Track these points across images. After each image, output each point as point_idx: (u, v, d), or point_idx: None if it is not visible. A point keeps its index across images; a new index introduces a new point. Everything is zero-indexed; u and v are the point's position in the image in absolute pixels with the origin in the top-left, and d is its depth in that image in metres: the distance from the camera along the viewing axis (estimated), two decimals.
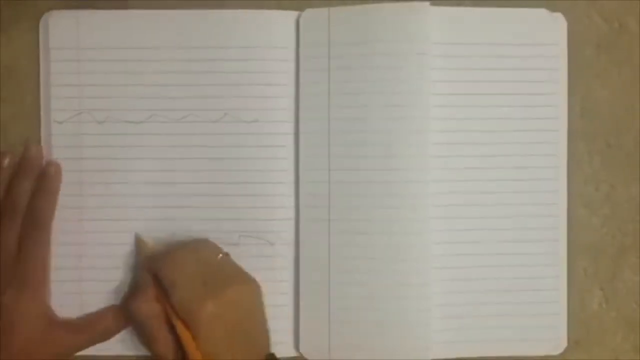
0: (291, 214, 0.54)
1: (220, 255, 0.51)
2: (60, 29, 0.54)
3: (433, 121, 0.54)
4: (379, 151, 0.53)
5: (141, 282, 0.51)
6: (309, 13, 0.54)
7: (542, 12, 0.55)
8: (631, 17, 0.55)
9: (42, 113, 0.54)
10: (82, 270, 0.54)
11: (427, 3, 0.53)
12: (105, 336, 0.52)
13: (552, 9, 0.55)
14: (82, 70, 0.54)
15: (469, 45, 0.54)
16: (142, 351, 0.54)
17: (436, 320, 0.54)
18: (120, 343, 0.54)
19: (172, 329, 0.49)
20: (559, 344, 0.55)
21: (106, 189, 0.54)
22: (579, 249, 0.55)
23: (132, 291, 0.53)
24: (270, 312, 0.53)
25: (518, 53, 0.54)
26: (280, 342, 0.54)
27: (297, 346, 0.55)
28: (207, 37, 0.54)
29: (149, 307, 0.49)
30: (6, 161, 0.53)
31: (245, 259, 0.54)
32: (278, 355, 0.53)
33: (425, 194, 0.54)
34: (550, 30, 0.55)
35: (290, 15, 0.54)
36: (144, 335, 0.50)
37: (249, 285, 0.51)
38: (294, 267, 0.55)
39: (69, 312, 0.54)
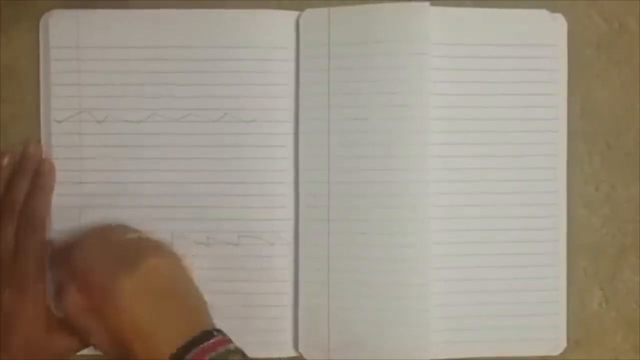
0: (291, 214, 0.54)
1: (130, 235, 0.51)
2: (61, 28, 0.54)
3: (433, 121, 0.54)
4: (379, 151, 0.53)
5: (58, 282, 0.50)
6: (309, 13, 0.54)
7: (542, 13, 0.55)
8: (631, 17, 0.55)
9: (42, 112, 0.54)
10: None
11: (427, 3, 0.53)
12: None
13: (552, 9, 0.55)
14: (82, 69, 0.54)
15: (469, 46, 0.54)
16: None
17: (436, 320, 0.54)
18: None
19: None
20: (559, 344, 0.55)
21: (106, 189, 0.54)
22: (579, 249, 0.55)
23: (54, 294, 0.51)
24: (270, 312, 0.54)
25: (518, 53, 0.54)
26: (280, 342, 0.55)
27: (296, 346, 0.55)
28: (207, 37, 0.54)
29: (72, 302, 0.48)
30: (5, 160, 0.53)
31: (244, 259, 0.54)
32: (279, 356, 0.53)
33: (425, 194, 0.54)
34: (551, 31, 0.55)
35: (290, 15, 0.54)
36: (79, 331, 0.49)
37: (164, 257, 0.50)
38: (294, 267, 0.54)
39: None
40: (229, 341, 0.47)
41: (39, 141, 0.54)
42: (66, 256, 0.49)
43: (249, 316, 0.54)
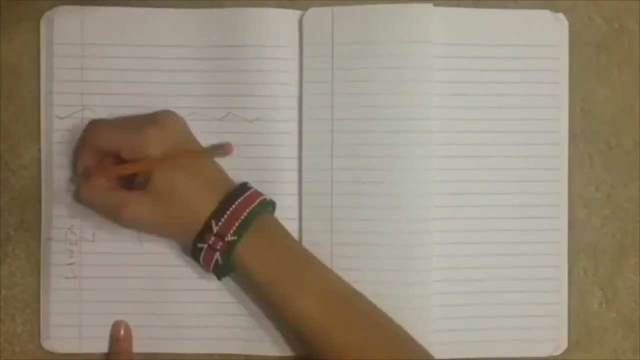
0: (294, 213, 0.54)
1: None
2: (65, 25, 0.54)
3: (434, 122, 0.54)
4: (382, 151, 0.54)
5: (85, 168, 0.51)
6: (312, 12, 0.54)
7: (544, 13, 0.55)
8: (631, 18, 0.56)
9: (43, 108, 0.54)
10: (82, 267, 0.54)
11: (430, 4, 0.54)
12: None
13: (553, 9, 0.55)
14: (85, 66, 0.54)
15: (471, 46, 0.55)
16: (146, 349, 0.54)
17: (436, 321, 0.54)
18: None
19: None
20: (560, 344, 0.55)
21: None
22: (579, 249, 0.56)
23: (82, 181, 0.52)
24: None
25: (520, 54, 0.55)
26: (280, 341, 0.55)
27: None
28: (211, 36, 0.54)
29: (99, 185, 0.50)
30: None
31: None
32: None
33: (428, 194, 0.54)
34: (552, 32, 0.55)
35: (293, 14, 0.54)
36: (111, 210, 0.51)
37: (173, 113, 0.52)
38: None
39: (67, 310, 0.54)
40: (261, 193, 0.51)
41: (39, 138, 0.54)
42: (85, 143, 0.52)
43: (254, 314, 0.54)
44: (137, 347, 0.54)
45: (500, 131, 0.55)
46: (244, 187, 0.51)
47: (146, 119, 0.51)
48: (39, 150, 0.54)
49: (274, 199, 0.53)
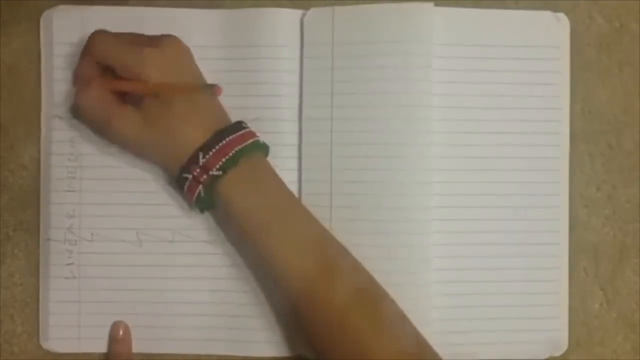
0: None
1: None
2: (65, 24, 0.54)
3: (435, 122, 0.54)
4: (381, 151, 0.53)
5: (83, 74, 0.51)
6: (313, 12, 0.54)
7: (545, 14, 0.55)
8: (632, 17, 0.56)
9: (43, 108, 0.54)
10: (81, 267, 0.54)
11: (432, 4, 0.54)
12: None
13: (553, 9, 0.55)
14: None
15: (472, 47, 0.55)
16: (145, 349, 0.54)
17: (436, 322, 0.54)
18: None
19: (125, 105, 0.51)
20: (560, 345, 0.55)
21: (107, 186, 0.54)
22: (579, 249, 0.56)
23: (78, 86, 0.52)
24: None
25: (521, 55, 0.55)
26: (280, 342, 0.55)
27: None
28: (211, 36, 0.54)
29: (94, 94, 0.50)
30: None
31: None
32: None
33: (427, 195, 0.54)
34: (554, 32, 0.55)
35: (294, 14, 0.54)
36: (100, 120, 0.51)
37: (177, 39, 0.51)
38: None
39: (66, 310, 0.54)
40: (255, 134, 0.51)
41: (39, 137, 0.54)
42: (88, 50, 0.51)
43: (254, 315, 0.54)
44: (136, 347, 0.54)
45: (501, 132, 0.55)
46: (238, 125, 0.51)
47: (148, 41, 0.50)
48: (39, 150, 0.54)
49: None
